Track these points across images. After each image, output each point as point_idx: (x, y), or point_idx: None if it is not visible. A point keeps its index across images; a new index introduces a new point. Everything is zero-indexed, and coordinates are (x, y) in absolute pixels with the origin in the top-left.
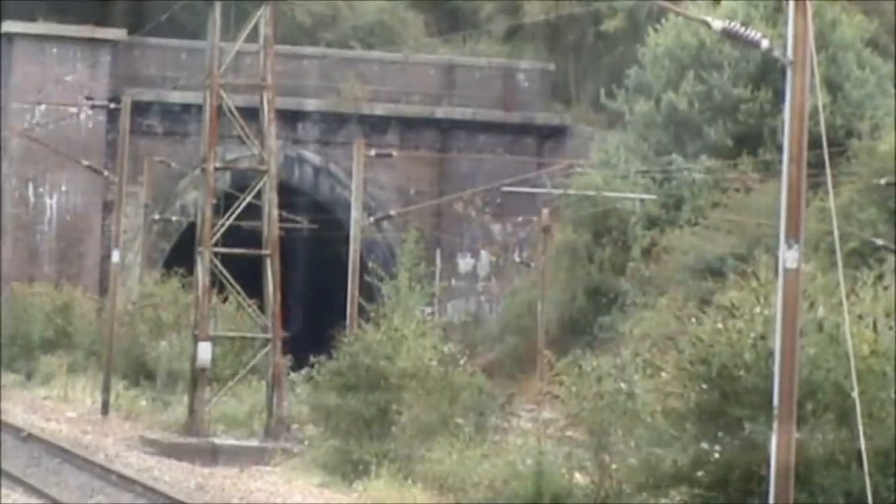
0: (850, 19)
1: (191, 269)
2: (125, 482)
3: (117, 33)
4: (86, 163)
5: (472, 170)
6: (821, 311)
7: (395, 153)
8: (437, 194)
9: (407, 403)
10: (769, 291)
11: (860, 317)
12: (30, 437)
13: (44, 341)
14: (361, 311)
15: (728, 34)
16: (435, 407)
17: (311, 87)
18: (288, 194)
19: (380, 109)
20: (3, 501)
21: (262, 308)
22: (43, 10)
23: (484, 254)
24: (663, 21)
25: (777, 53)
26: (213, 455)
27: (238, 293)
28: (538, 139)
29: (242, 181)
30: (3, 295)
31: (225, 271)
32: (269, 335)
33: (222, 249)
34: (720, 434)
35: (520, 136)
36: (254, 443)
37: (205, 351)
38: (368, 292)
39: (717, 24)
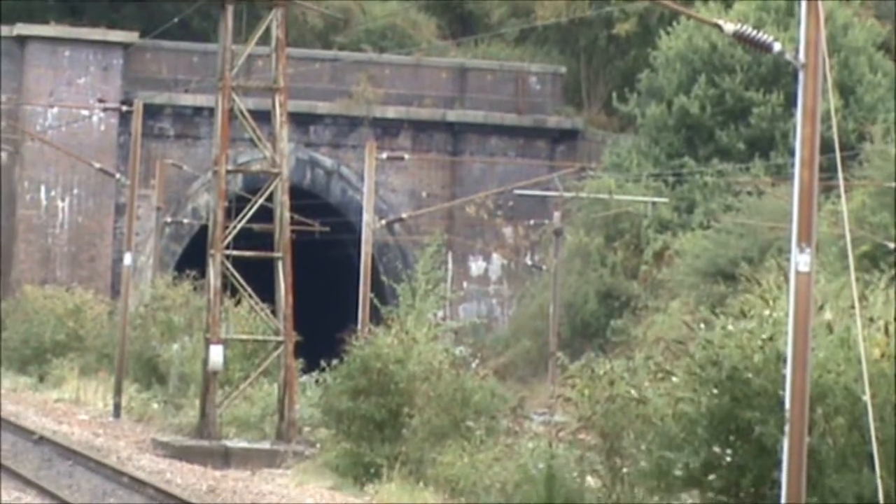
0: (862, 23)
1: (202, 272)
2: (137, 484)
3: (129, 36)
4: (98, 165)
5: (483, 173)
6: (830, 315)
7: (406, 156)
8: (448, 197)
9: (418, 407)
10: (777, 295)
11: (871, 320)
12: (42, 440)
13: (56, 344)
14: (374, 313)
15: (740, 37)
16: (446, 410)
17: (323, 89)
18: (300, 197)
19: (391, 112)
20: (16, 503)
21: (273, 311)
22: (55, 13)
23: (496, 257)
24: (675, 25)
25: (789, 57)
26: (224, 458)
27: (250, 296)
28: (550, 142)
29: (254, 184)
30: (15, 297)
31: (237, 274)
32: (281, 338)
33: (234, 252)
34: (731, 438)
35: (531, 139)
36: (265, 445)
37: (216, 354)
38: (380, 295)
39: (729, 28)
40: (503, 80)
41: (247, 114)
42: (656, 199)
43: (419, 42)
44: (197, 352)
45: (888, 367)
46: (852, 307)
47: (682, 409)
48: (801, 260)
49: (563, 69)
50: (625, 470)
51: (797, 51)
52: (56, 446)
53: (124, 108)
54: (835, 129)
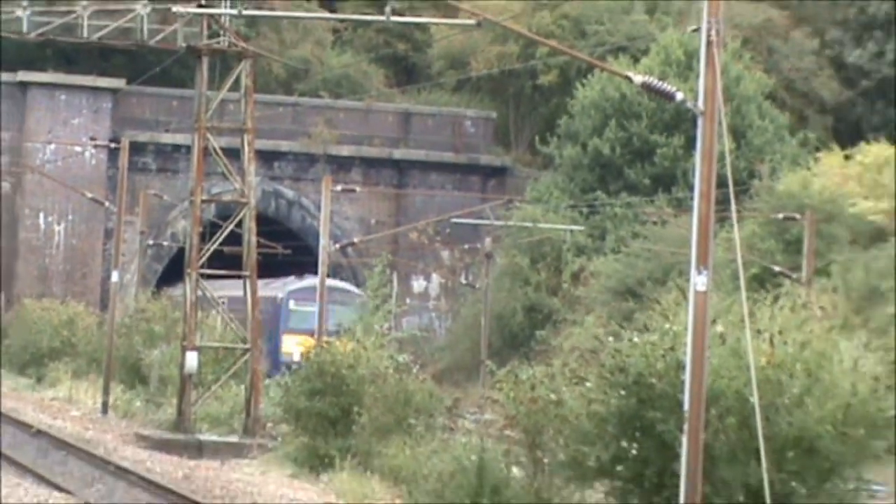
0: (753, 75)
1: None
2: (122, 472)
3: (117, 83)
4: (89, 195)
5: (424, 204)
6: (722, 328)
7: (358, 189)
8: (394, 224)
9: (366, 406)
10: (676, 311)
11: (759, 332)
12: (38, 433)
13: (51, 350)
14: None
15: (647, 88)
16: (390, 409)
17: (286, 130)
18: (265, 224)
19: (345, 151)
20: (14, 489)
21: (242, 322)
22: (52, 62)
23: (435, 277)
24: (590, 77)
25: (689, 105)
26: (198, 449)
27: (221, 309)
28: (482, 178)
29: (226, 212)
30: (16, 309)
31: (210, 290)
32: (248, 346)
33: (207, 271)
34: (637, 434)
35: (466, 175)
36: (233, 439)
37: (192, 359)
38: None
39: (638, 79)
40: (442, 124)
41: (219, 151)
42: (573, 227)
43: (369, 89)
44: (174, 357)
45: (772, 374)
46: (742, 321)
47: (594, 410)
48: (699, 281)
49: (494, 115)
50: (545, 461)
51: (696, 100)
52: (51, 439)
53: (112, 145)
54: (728, 168)
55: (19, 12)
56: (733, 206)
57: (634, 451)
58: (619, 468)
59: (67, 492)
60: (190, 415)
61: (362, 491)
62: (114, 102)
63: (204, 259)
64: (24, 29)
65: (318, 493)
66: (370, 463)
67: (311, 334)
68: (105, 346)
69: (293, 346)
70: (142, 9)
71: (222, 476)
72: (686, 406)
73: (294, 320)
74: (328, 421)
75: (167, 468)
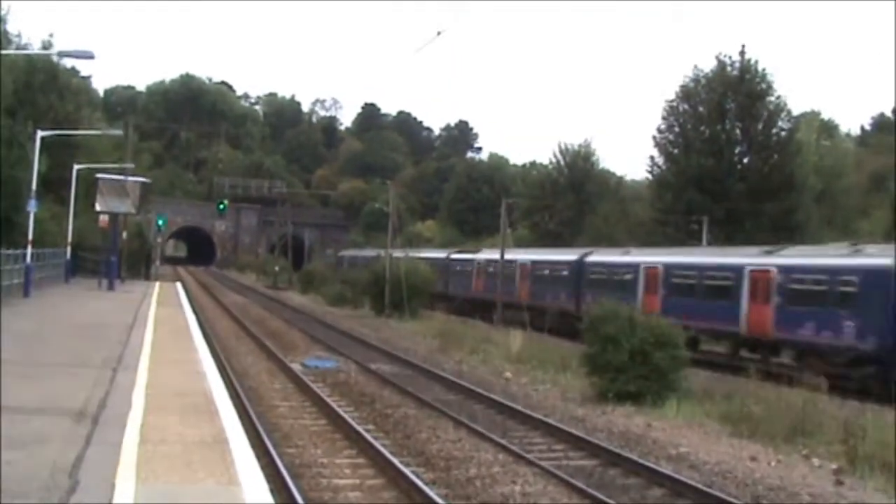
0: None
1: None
2: (259, 294)
3: (259, 206)
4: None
5: (338, 235)
6: (399, 254)
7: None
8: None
9: (317, 278)
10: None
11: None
12: (241, 285)
13: (245, 265)
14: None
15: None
16: (323, 279)
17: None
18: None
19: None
20: (235, 301)
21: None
22: (245, 200)
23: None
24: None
25: (386, 210)
26: (277, 290)
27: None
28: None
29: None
30: (238, 257)
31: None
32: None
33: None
34: (376, 285)
35: (344, 228)
36: (286, 286)
37: (277, 269)
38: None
39: (378, 206)
40: (338, 215)
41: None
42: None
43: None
44: (273, 268)
45: (406, 269)
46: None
47: (366, 279)
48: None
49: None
50: (357, 293)
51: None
52: (242, 286)
53: (262, 221)
54: (396, 226)
55: (240, 190)
56: (389, 238)
57: (375, 289)
58: (372, 292)
59: (247, 298)
60: (278, 281)
61: (314, 297)
62: (260, 211)
63: (279, 245)
64: (240, 192)
65: (307, 298)
66: (318, 292)
67: None
68: (259, 265)
69: None
70: (265, 186)
71: (281, 294)
72: (387, 276)
73: None
74: (308, 282)
75: (269, 293)
